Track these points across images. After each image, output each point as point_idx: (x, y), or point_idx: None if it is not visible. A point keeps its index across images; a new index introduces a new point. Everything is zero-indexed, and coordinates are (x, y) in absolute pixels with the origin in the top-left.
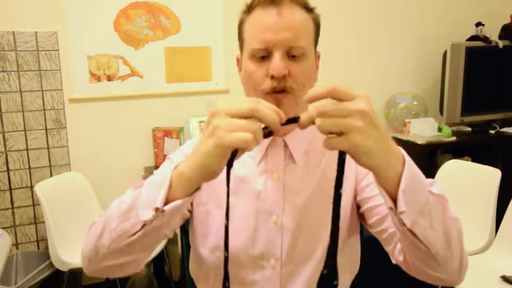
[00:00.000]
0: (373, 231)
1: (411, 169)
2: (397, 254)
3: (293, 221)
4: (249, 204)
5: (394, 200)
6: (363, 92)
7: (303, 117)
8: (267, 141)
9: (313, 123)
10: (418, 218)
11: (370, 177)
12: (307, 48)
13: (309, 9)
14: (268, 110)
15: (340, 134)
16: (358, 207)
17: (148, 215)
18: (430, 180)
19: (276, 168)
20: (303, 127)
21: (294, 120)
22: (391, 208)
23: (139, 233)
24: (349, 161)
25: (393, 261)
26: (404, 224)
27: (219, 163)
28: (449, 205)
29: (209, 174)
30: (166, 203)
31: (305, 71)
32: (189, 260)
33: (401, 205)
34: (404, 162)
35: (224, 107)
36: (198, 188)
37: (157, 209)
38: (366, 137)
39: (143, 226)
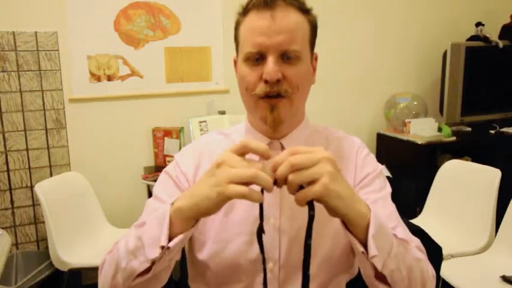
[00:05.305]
0: None
1: (377, 215)
2: None
3: (291, 224)
4: (246, 208)
5: (364, 245)
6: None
7: (279, 173)
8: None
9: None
10: (387, 261)
11: (364, 186)
12: (302, 51)
13: (305, 11)
14: (266, 176)
15: (310, 183)
16: None
17: (155, 253)
18: (392, 224)
19: None
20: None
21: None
22: (362, 253)
23: (151, 271)
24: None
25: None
26: (375, 268)
27: (216, 208)
28: (412, 247)
29: (204, 214)
30: (169, 239)
31: (300, 74)
32: (188, 271)
33: (373, 250)
34: (370, 209)
35: (229, 160)
36: (195, 222)
37: (163, 247)
38: (334, 181)
39: (153, 264)
